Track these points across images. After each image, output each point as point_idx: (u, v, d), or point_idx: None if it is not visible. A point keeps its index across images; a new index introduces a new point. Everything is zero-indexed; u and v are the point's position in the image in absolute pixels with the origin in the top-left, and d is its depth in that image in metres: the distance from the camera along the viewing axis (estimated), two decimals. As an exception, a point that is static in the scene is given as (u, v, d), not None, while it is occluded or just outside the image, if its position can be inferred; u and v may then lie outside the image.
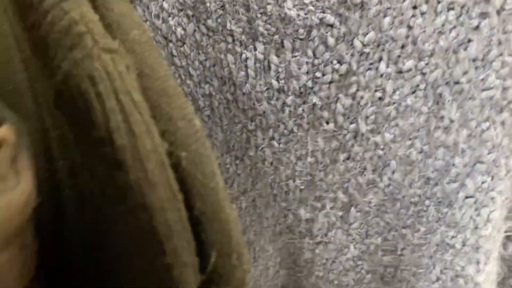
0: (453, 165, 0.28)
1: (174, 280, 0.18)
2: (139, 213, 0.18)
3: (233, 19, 0.32)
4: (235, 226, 0.20)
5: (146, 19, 0.37)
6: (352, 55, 0.29)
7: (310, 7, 0.29)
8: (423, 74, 0.27)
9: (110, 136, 0.17)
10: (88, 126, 0.18)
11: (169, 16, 0.36)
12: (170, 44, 0.37)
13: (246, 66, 0.34)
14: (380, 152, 0.31)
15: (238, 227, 0.20)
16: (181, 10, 0.34)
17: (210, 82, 0.37)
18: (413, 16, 0.25)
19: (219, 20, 0.33)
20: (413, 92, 0.28)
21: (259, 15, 0.31)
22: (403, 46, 0.27)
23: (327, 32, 0.29)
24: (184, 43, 0.37)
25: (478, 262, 0.29)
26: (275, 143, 0.37)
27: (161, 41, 0.38)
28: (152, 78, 0.19)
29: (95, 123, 0.17)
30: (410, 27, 0.26)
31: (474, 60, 0.25)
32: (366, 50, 0.28)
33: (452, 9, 0.24)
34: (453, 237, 0.30)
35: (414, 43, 0.26)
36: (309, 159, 0.35)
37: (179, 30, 0.36)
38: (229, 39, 0.34)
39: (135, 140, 0.17)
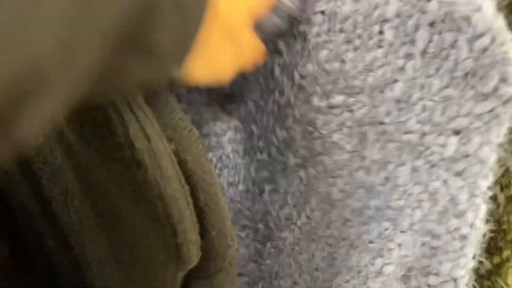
0: (368, 207, 0.26)
1: (183, 255, 0.22)
2: (156, 202, 0.22)
3: None
4: (228, 214, 0.25)
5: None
6: (292, 88, 0.28)
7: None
8: (351, 111, 0.26)
9: (130, 141, 0.21)
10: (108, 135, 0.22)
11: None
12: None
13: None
14: (303, 188, 0.29)
15: (229, 215, 0.25)
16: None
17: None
18: (346, 50, 0.25)
19: None
20: (340, 129, 0.26)
21: None
22: (335, 81, 0.26)
23: (274, 61, 0.28)
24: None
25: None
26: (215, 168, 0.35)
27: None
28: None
29: (114, 132, 0.21)
30: (343, 62, 0.25)
31: (398, 101, 0.24)
32: (303, 83, 0.27)
33: (381, 46, 0.23)
34: (346, 282, 0.27)
35: (345, 78, 0.25)
36: (240, 186, 0.34)
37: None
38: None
39: (150, 144, 0.21)
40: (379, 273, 0.25)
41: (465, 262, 0.24)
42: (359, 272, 0.26)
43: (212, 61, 0.22)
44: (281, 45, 0.28)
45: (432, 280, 0.25)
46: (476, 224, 0.23)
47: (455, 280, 0.24)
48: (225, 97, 0.32)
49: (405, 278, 0.25)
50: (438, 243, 0.24)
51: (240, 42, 0.23)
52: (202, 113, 0.33)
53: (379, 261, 0.25)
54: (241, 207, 0.34)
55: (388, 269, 0.24)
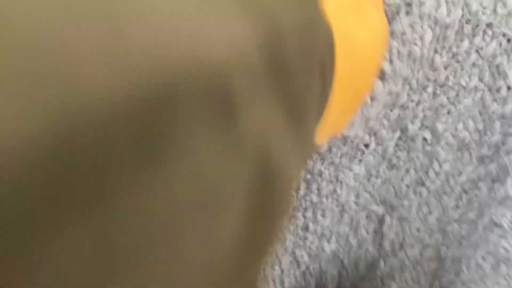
0: (510, 134, 0.27)
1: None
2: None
3: None
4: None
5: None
6: None
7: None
8: (480, 49, 0.26)
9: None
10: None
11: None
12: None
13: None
14: (429, 148, 0.29)
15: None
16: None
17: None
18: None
19: None
20: (468, 72, 0.27)
21: None
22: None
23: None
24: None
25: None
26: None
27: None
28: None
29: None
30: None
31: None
32: None
33: None
34: (502, 215, 0.28)
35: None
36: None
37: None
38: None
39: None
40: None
41: None
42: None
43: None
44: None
45: None
46: None
47: None
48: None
49: None
50: None
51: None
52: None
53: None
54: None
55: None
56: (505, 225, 0.28)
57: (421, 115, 0.27)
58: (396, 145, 0.28)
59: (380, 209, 0.30)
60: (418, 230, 0.30)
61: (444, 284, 0.31)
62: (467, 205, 0.29)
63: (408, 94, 0.26)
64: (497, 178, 0.28)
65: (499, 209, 0.28)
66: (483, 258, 0.29)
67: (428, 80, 0.26)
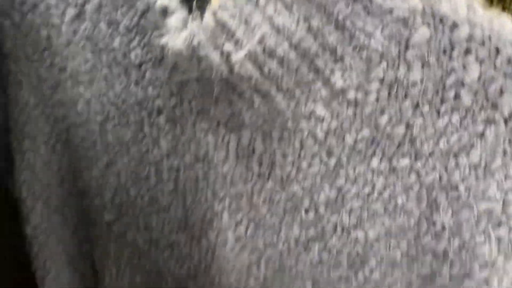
0: (440, 275, 0.24)
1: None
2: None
3: (216, 108, 0.29)
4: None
5: (124, 86, 0.33)
6: (343, 149, 0.25)
7: (301, 99, 0.25)
8: (418, 175, 0.24)
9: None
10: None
11: (150, 85, 0.32)
12: (143, 112, 0.33)
13: (228, 148, 0.30)
14: (360, 249, 0.27)
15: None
16: (166, 84, 0.30)
17: (182, 157, 0.32)
18: (413, 115, 0.23)
19: (204, 104, 0.29)
20: (405, 192, 0.24)
21: (244, 110, 0.27)
22: (399, 145, 0.23)
23: (317, 125, 0.26)
24: (160, 114, 0.32)
25: None
26: (242, 228, 0.32)
27: (134, 106, 0.33)
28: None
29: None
30: (408, 126, 0.23)
31: (475, 168, 0.22)
32: (359, 146, 0.25)
33: (456, 111, 0.21)
34: None
35: (412, 142, 0.23)
36: (281, 246, 0.31)
37: (158, 101, 0.32)
38: (214, 122, 0.30)
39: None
40: None
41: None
42: None
43: None
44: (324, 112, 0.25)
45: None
46: None
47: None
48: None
49: None
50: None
51: None
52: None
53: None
54: (281, 266, 0.32)
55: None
56: None
57: (357, 211, 0.26)
58: (334, 230, 0.27)
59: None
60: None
61: None
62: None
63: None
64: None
65: None
66: None
67: (366, 181, 0.25)
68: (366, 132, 0.24)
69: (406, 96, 0.22)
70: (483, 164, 0.21)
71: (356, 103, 0.24)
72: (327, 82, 0.25)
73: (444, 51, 0.22)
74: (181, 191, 0.34)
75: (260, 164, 0.29)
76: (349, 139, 0.25)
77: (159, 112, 0.32)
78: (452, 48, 0.21)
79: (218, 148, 0.30)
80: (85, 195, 0.40)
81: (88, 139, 0.36)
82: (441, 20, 0.22)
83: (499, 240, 0.22)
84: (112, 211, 0.38)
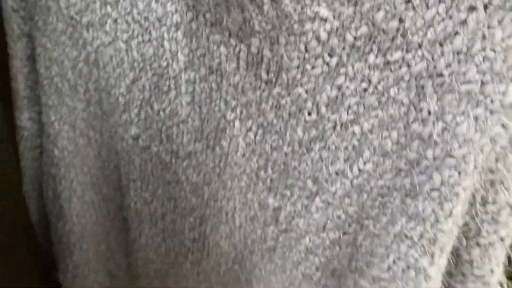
0: (425, 157, 0.27)
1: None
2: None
3: (229, 17, 0.32)
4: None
5: (146, 3, 0.36)
6: (343, 48, 0.28)
7: (307, 1, 0.28)
8: (409, 66, 0.27)
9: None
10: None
11: (168, 1, 0.35)
12: (163, 28, 0.36)
13: (238, 58, 0.33)
14: (356, 142, 0.30)
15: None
16: (182, -1, 0.33)
17: (197, 70, 0.35)
18: (405, 9, 0.25)
19: (217, 15, 0.32)
20: (397, 83, 0.27)
21: (254, 15, 0.30)
22: (393, 39, 0.26)
23: (320, 27, 0.28)
24: (178, 29, 0.35)
25: (433, 255, 0.28)
26: (251, 134, 0.36)
27: (155, 23, 0.36)
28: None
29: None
30: (401, 20, 0.26)
31: (458, 53, 0.25)
32: (358, 43, 0.28)
33: (443, 2, 0.24)
34: (412, 228, 0.29)
35: (404, 35, 0.26)
36: (286, 149, 0.34)
37: (176, 17, 0.35)
38: (226, 33, 0.33)
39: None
40: (449, 215, 0.26)
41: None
42: (424, 219, 0.27)
43: None
44: (324, 13, 0.28)
45: (490, 208, 0.26)
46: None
47: (511, 206, 0.26)
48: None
49: (469, 212, 0.27)
50: (495, 177, 0.26)
51: None
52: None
53: (447, 206, 0.26)
54: (285, 168, 0.35)
55: (457, 210, 0.26)
56: (414, 238, 0.29)
57: (354, 107, 0.29)
58: (334, 128, 0.31)
59: (312, 187, 0.33)
60: (339, 217, 0.33)
61: (359, 268, 0.34)
62: (382, 208, 0.31)
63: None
64: (409, 193, 0.29)
65: (409, 223, 0.29)
66: (394, 262, 0.30)
67: (363, 77, 0.28)
68: (364, 29, 0.27)
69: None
70: (464, 49, 0.24)
71: (355, 1, 0.26)
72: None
73: None
74: (197, 102, 0.37)
75: (268, 71, 0.32)
76: (349, 37, 0.28)
77: (177, 27, 0.35)
78: None
79: (229, 59, 0.34)
80: (112, 114, 0.44)
81: (116, 57, 0.40)
82: None
83: (476, 118, 0.25)
84: (138, 125, 0.41)
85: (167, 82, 0.38)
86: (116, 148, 0.47)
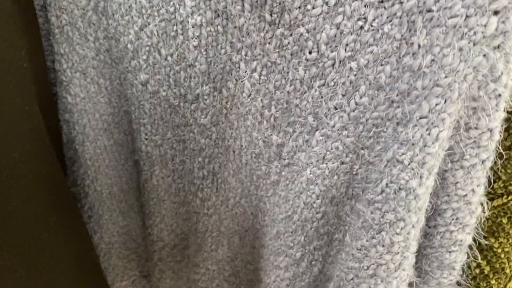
0: (415, 88, 0.30)
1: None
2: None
3: None
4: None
5: None
6: None
7: None
8: (401, 2, 0.29)
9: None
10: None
11: None
12: (169, -27, 0.38)
13: (243, 0, 0.35)
14: (353, 77, 0.33)
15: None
16: None
17: (204, 14, 0.38)
18: None
19: None
20: (390, 20, 0.30)
21: None
22: (387, -23, 0.29)
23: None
24: (183, -26, 0.37)
25: (421, 177, 0.32)
26: (256, 75, 0.38)
27: (159, -31, 0.38)
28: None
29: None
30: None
31: (445, -11, 0.27)
32: None
33: None
34: (403, 153, 0.32)
35: (397, -27, 0.29)
36: (288, 87, 0.37)
37: (179, -38, 0.37)
38: (230, -25, 0.35)
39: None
40: (436, 139, 0.29)
41: (498, 115, 0.29)
42: (413, 144, 0.30)
43: None
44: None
45: (472, 133, 0.30)
46: (509, 84, 0.27)
47: (491, 130, 0.29)
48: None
49: (453, 136, 0.30)
50: (478, 104, 0.29)
51: None
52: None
53: (434, 131, 0.29)
54: (288, 106, 0.38)
55: (443, 134, 0.29)
56: (405, 162, 0.32)
57: (351, 44, 0.32)
58: (333, 65, 0.33)
59: (313, 122, 0.37)
60: (337, 148, 0.36)
61: (355, 194, 0.37)
62: (376, 138, 0.34)
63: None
64: (401, 122, 0.32)
65: (401, 148, 0.32)
66: (387, 185, 0.34)
67: (360, 15, 0.30)
68: (360, -30, 0.29)
69: None
70: (451, -15, 0.27)
71: None
72: None
73: None
74: (203, 46, 0.40)
75: (271, 12, 0.35)
76: (346, -22, 0.30)
77: (183, -28, 0.38)
78: None
79: (234, 2, 0.36)
80: (121, 61, 0.47)
81: (124, 4, 0.42)
82: None
83: (461, 50, 0.28)
84: (147, 70, 0.44)
85: (175, 27, 0.40)
86: (126, 94, 0.50)
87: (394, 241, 0.34)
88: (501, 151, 0.32)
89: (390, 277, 0.36)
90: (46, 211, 0.44)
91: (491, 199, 0.36)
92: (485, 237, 0.36)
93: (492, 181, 0.34)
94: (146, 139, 0.50)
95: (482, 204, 0.34)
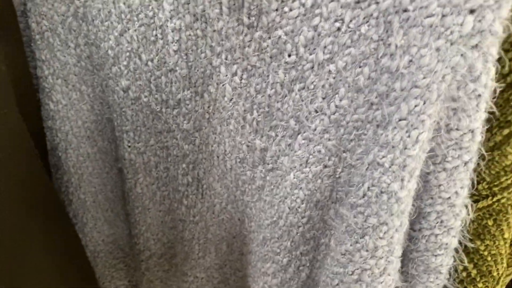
0: (393, 89, 0.30)
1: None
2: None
3: None
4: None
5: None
6: None
7: None
8: (377, 3, 0.29)
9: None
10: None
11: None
12: (148, -23, 0.38)
13: (221, 4, 0.35)
14: (332, 80, 0.33)
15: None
16: None
17: (182, 18, 0.37)
18: None
19: None
20: (367, 21, 0.30)
21: None
22: (362, -23, 0.29)
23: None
24: (161, -22, 0.37)
25: (402, 180, 0.31)
26: (237, 79, 0.38)
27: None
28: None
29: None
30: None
31: (420, -11, 0.27)
32: None
33: None
34: (383, 156, 0.32)
35: (372, -26, 0.28)
36: (269, 91, 0.37)
37: (157, -34, 0.37)
38: (207, -22, 0.35)
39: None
40: (416, 142, 0.29)
41: (479, 116, 0.28)
42: (393, 146, 0.30)
43: None
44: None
45: (453, 134, 0.30)
46: (488, 84, 0.27)
47: (472, 131, 0.29)
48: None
49: (434, 138, 0.30)
50: (458, 105, 0.28)
51: None
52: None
53: (414, 133, 0.29)
54: (269, 109, 0.38)
55: (423, 136, 0.29)
56: (386, 165, 0.32)
57: (329, 46, 0.31)
58: (312, 68, 0.33)
59: (295, 126, 0.36)
60: (319, 151, 0.36)
61: (339, 197, 0.37)
62: (357, 140, 0.34)
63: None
64: (381, 124, 0.32)
65: (381, 151, 0.32)
66: (369, 189, 0.34)
67: (337, 16, 0.30)
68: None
69: None
70: (426, -15, 0.27)
71: None
72: None
73: None
74: (184, 50, 0.40)
75: (249, 15, 0.34)
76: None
77: (161, -24, 0.37)
78: None
79: (212, 5, 0.36)
80: (102, 67, 0.46)
81: (103, 10, 0.42)
82: None
83: (438, 49, 0.28)
84: (128, 76, 0.44)
85: (154, 32, 0.40)
86: (108, 101, 0.49)
87: (378, 245, 0.34)
88: (483, 152, 0.31)
89: (375, 282, 0.36)
90: (30, 215, 0.44)
91: (476, 201, 0.36)
92: (471, 240, 0.36)
93: (476, 182, 0.34)
94: (129, 146, 0.49)
95: (466, 207, 0.34)
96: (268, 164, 0.40)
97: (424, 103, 0.29)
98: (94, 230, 0.57)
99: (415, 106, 0.30)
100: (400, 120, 0.30)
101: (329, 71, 0.33)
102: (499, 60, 0.28)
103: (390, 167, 0.32)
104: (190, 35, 0.39)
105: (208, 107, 0.42)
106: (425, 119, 0.30)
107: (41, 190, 0.47)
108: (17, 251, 0.42)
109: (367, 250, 0.35)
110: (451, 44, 0.27)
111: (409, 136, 0.30)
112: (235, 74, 0.38)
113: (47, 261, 0.47)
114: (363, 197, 0.34)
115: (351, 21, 0.30)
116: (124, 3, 0.40)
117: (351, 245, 0.36)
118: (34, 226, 0.45)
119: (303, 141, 0.37)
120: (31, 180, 0.45)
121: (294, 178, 0.39)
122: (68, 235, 0.52)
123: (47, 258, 0.46)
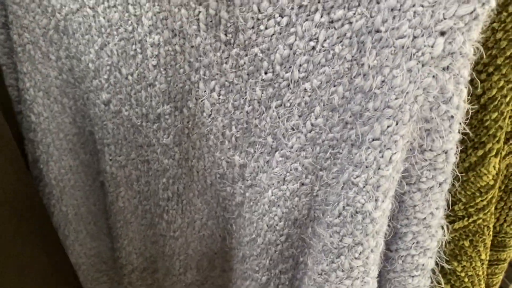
0: (367, 109, 0.30)
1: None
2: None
3: None
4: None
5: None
6: (292, 8, 0.31)
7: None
8: (350, 23, 0.29)
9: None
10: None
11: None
12: (127, -8, 0.38)
13: (198, 20, 0.35)
14: (308, 98, 0.33)
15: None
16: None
17: (161, 33, 0.37)
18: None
19: None
20: (341, 41, 0.30)
21: None
22: (335, -3, 0.29)
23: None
24: (140, -7, 0.37)
25: (376, 200, 0.31)
26: (215, 94, 0.38)
27: (117, -12, 0.38)
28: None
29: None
30: (342, -21, 0.28)
31: (392, 10, 0.27)
32: (304, 2, 0.30)
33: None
34: (357, 176, 0.32)
35: (344, -6, 0.28)
36: (247, 107, 0.37)
37: (135, -19, 0.37)
38: (185, -5, 0.35)
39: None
40: (389, 162, 0.29)
41: (453, 137, 0.28)
42: (367, 166, 0.30)
43: None
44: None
45: (427, 155, 0.29)
46: (460, 105, 0.27)
47: (446, 152, 0.29)
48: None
49: (408, 158, 0.30)
50: (431, 125, 0.28)
51: None
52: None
53: (387, 153, 0.29)
54: (248, 126, 0.38)
55: (396, 156, 0.29)
56: (360, 185, 0.32)
57: (305, 65, 0.31)
58: (288, 86, 0.33)
59: (272, 143, 0.36)
60: (296, 169, 0.36)
61: (317, 216, 0.37)
62: (333, 159, 0.33)
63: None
64: (355, 143, 0.31)
65: (356, 171, 0.32)
66: (344, 208, 0.33)
67: (311, 35, 0.30)
68: (310, -12, 0.29)
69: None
70: (398, 6, 0.27)
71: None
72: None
73: None
74: (162, 65, 0.40)
75: (226, 32, 0.34)
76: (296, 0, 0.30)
77: (140, -8, 0.37)
78: None
79: (190, 22, 0.36)
80: (83, 80, 0.46)
81: (84, 23, 0.42)
82: None
83: (410, 70, 0.28)
84: (108, 90, 0.43)
85: (134, 46, 0.40)
86: (90, 114, 0.49)
87: (353, 265, 0.34)
88: (458, 173, 0.31)
89: (351, 303, 0.35)
90: (16, 222, 0.43)
91: (452, 222, 0.35)
92: (447, 261, 0.35)
93: (451, 203, 0.34)
94: (111, 159, 0.49)
95: (442, 227, 0.34)
96: (247, 180, 0.40)
97: (397, 124, 0.29)
98: (75, 243, 0.57)
99: (388, 126, 0.29)
100: (373, 140, 0.30)
101: (305, 89, 0.33)
102: (472, 81, 0.28)
103: (364, 187, 0.32)
104: (168, 50, 0.38)
105: (188, 122, 0.42)
106: (398, 140, 0.30)
107: (25, 197, 0.47)
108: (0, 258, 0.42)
109: (342, 271, 0.34)
110: (423, 65, 0.27)
111: (382, 156, 0.30)
112: (213, 90, 0.38)
113: (33, 270, 0.46)
114: (339, 216, 0.34)
115: (325, 40, 0.30)
116: (104, 18, 0.40)
117: (327, 265, 0.35)
118: (20, 232, 0.45)
119: (281, 159, 0.37)
120: (14, 185, 0.45)
121: (272, 195, 0.39)
122: (53, 245, 0.51)
123: (32, 267, 0.46)
